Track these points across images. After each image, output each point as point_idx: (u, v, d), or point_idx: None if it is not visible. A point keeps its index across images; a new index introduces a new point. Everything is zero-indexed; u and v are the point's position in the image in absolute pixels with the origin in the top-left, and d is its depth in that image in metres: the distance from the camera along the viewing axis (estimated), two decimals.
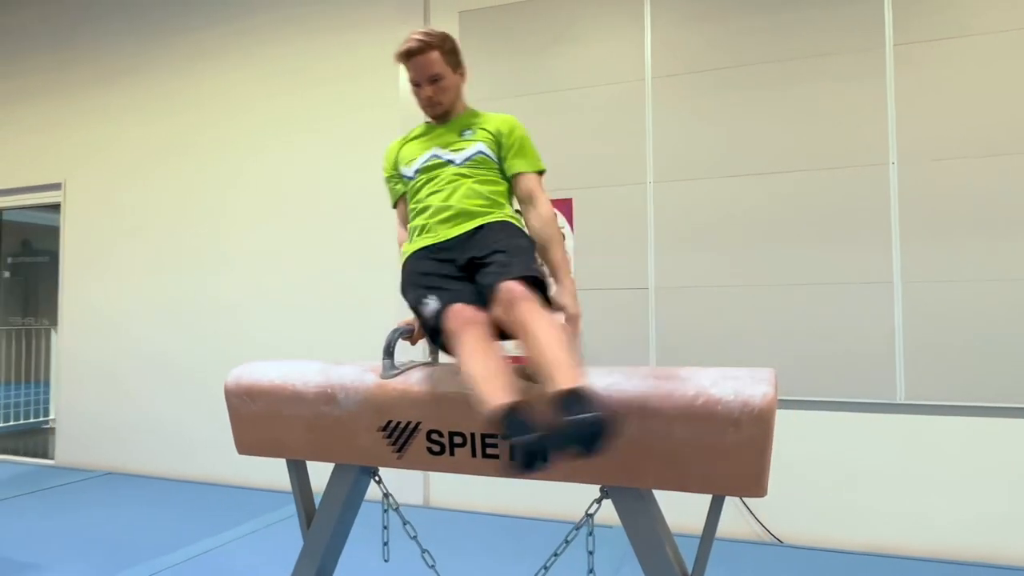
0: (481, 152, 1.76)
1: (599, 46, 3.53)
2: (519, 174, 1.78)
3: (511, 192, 1.81)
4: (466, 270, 1.61)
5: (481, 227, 1.67)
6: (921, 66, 3.02)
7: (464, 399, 1.53)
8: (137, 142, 4.77)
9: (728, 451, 1.33)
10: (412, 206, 1.79)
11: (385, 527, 1.79)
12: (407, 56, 1.76)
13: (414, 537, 1.79)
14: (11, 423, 5.71)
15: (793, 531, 3.14)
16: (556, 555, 1.67)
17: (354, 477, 1.77)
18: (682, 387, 1.38)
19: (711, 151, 3.31)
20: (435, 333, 1.59)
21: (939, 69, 3.00)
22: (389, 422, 1.61)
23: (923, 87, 3.02)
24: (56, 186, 5.07)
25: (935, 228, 2.98)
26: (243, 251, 4.38)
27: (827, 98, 3.15)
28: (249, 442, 1.81)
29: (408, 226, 1.81)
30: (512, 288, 1.43)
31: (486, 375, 1.33)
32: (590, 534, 1.59)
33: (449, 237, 1.67)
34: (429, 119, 1.88)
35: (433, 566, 1.81)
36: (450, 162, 1.75)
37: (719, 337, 3.24)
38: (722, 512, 1.47)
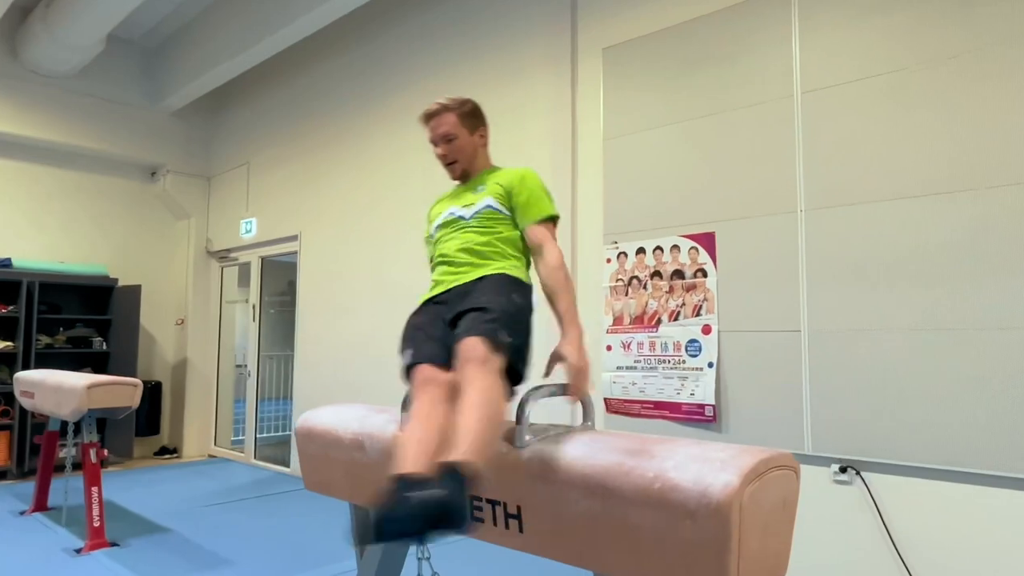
0: (489, 206, 1.77)
1: (742, 65, 3.23)
2: (528, 225, 1.76)
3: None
4: (453, 323, 1.61)
5: (480, 279, 1.65)
6: None
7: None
8: (350, 196, 5.50)
9: (685, 546, 1.14)
10: (431, 260, 1.84)
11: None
12: (426, 118, 1.87)
13: None
14: (266, 434, 6.86)
15: None
16: None
17: None
18: (643, 466, 1.22)
19: (875, 170, 2.81)
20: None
21: None
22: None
23: None
24: (295, 237, 6.08)
25: None
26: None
27: None
28: (310, 480, 1.98)
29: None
30: (468, 346, 1.40)
31: (409, 441, 1.32)
32: None
33: (447, 289, 1.69)
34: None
35: None
36: (461, 218, 1.80)
37: (896, 390, 2.70)
38: None
